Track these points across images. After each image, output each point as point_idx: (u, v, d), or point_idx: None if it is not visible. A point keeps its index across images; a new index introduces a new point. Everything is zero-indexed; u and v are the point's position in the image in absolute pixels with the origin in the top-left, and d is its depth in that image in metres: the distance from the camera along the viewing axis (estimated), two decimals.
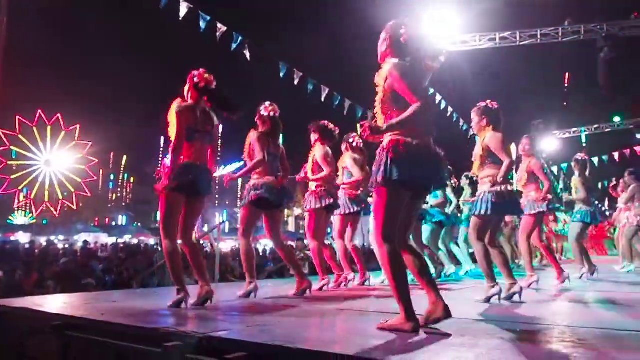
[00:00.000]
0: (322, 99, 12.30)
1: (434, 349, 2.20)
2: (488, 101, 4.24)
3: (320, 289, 4.87)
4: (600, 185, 15.84)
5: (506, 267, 4.01)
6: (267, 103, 4.54)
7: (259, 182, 4.36)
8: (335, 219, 5.46)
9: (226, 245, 19.91)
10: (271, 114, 4.50)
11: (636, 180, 7.54)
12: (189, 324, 3.00)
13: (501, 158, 4.04)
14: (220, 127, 4.10)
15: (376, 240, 2.64)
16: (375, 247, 2.65)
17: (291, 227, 51.69)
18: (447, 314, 2.56)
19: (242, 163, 4.93)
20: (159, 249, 10.43)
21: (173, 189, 3.59)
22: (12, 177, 46.68)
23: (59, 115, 47.32)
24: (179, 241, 3.75)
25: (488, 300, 3.81)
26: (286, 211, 42.45)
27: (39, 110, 46.36)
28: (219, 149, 4.08)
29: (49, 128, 47.23)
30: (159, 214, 3.74)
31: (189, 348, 2.37)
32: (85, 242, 16.84)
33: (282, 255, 4.73)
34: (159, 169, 3.85)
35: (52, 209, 48.58)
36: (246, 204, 4.39)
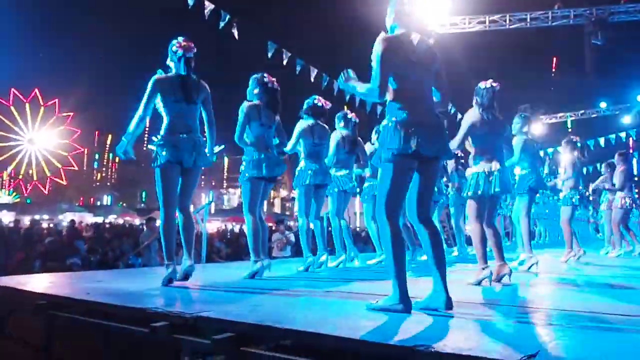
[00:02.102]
0: (312, 80, 12.20)
1: (424, 331, 2.19)
2: (489, 80, 4.13)
3: (306, 269, 4.85)
4: (585, 171, 15.99)
5: (498, 249, 4.00)
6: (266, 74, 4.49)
7: (252, 157, 4.29)
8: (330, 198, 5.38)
9: (212, 226, 19.82)
10: (270, 85, 4.44)
11: (624, 163, 7.59)
12: (176, 304, 2.98)
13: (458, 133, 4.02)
14: None
15: (379, 216, 2.63)
16: (376, 224, 2.64)
17: (277, 209, 51.81)
18: (448, 305, 2.51)
19: (223, 146, 4.85)
20: (144, 229, 10.34)
21: (164, 163, 3.57)
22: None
23: (36, 90, 46.37)
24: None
25: (479, 283, 3.80)
26: (272, 192, 42.42)
27: (12, 90, 45.47)
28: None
29: (27, 105, 46.32)
30: (156, 187, 3.67)
31: (177, 328, 2.35)
32: (72, 221, 16.62)
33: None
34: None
35: (41, 186, 48.02)
36: (246, 178, 4.30)
